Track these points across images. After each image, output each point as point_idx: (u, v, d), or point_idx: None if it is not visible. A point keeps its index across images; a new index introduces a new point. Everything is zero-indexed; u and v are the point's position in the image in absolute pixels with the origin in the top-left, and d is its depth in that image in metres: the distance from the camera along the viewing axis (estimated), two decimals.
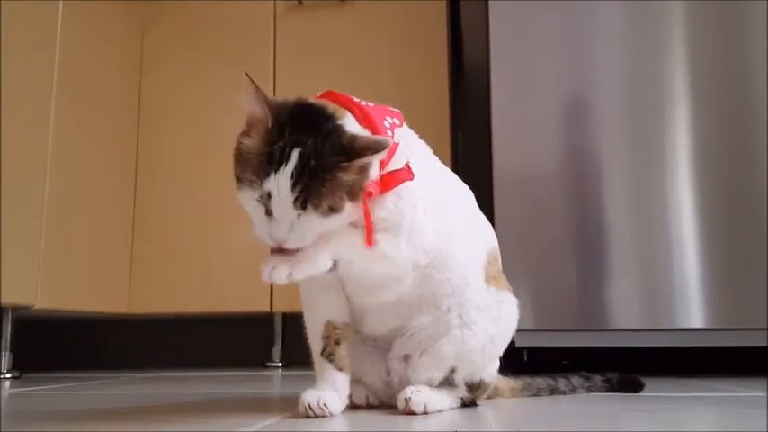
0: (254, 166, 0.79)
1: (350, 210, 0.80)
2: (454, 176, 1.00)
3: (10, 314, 1.76)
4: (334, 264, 0.83)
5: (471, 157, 2.34)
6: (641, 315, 1.53)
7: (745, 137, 1.55)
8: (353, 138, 0.79)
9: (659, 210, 1.56)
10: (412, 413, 0.86)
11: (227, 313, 2.13)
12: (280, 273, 0.80)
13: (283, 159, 0.77)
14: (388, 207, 0.84)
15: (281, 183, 0.77)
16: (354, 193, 0.80)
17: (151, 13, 2.30)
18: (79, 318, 2.28)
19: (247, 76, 0.81)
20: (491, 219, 1.05)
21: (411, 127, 0.94)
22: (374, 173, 0.82)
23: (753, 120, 1.55)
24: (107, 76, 2.10)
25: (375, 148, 0.78)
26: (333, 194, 0.78)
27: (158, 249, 2.15)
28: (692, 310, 1.51)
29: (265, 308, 2.06)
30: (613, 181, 1.59)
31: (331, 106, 0.84)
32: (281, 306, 2.06)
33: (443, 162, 0.99)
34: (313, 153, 0.77)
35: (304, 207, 0.77)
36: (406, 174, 0.84)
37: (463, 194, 0.99)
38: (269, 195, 0.78)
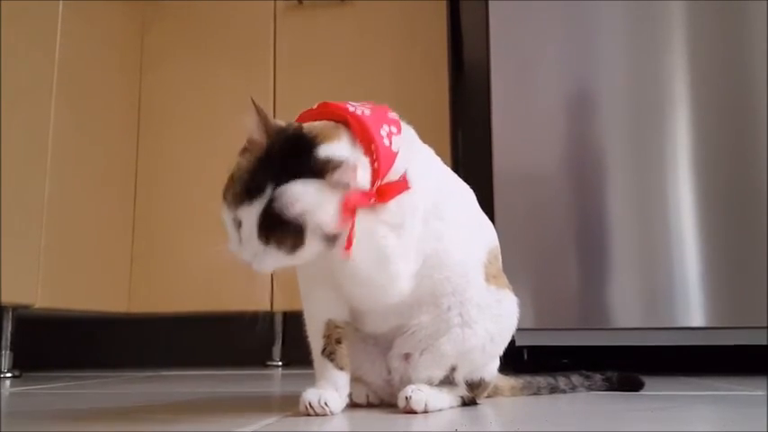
0: (235, 190, 0.80)
1: (314, 244, 0.79)
2: (455, 176, 1.00)
3: (10, 313, 1.76)
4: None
5: (471, 157, 2.34)
6: (641, 314, 1.53)
7: (746, 136, 1.55)
8: (320, 167, 0.78)
9: (659, 208, 1.56)
10: (412, 412, 0.86)
11: (226, 312, 2.13)
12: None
13: (258, 193, 0.77)
14: (390, 210, 0.84)
15: (251, 215, 0.78)
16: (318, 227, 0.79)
17: (151, 13, 2.30)
18: (79, 317, 2.28)
19: (253, 102, 0.81)
20: (491, 218, 1.05)
21: (411, 127, 0.94)
22: (359, 184, 0.80)
23: (754, 119, 1.55)
24: (107, 76, 2.10)
25: (338, 178, 0.77)
26: (297, 234, 0.77)
27: (158, 248, 2.15)
28: (692, 309, 1.51)
29: (266, 307, 2.06)
30: (614, 180, 1.59)
31: (322, 130, 0.83)
32: (281, 305, 2.06)
33: (444, 162, 0.99)
34: (275, 196, 0.77)
35: (267, 243, 0.78)
36: (402, 185, 0.83)
37: (464, 194, 0.99)
38: (239, 223, 0.80)
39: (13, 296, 1.65)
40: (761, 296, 1.48)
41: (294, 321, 2.16)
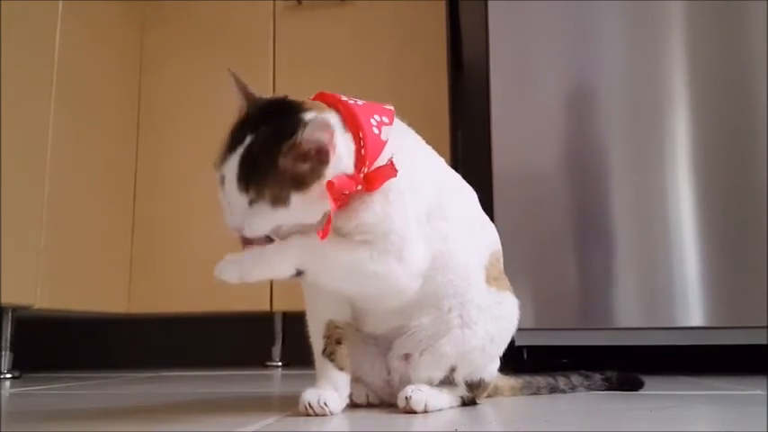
0: (220, 151, 0.82)
1: (301, 205, 0.78)
2: (457, 177, 1.00)
3: (10, 314, 1.76)
4: (299, 273, 0.82)
5: (471, 157, 2.35)
6: (641, 313, 1.53)
7: (746, 135, 1.55)
8: (297, 123, 0.78)
9: (659, 208, 1.56)
10: (412, 412, 0.86)
11: (226, 312, 2.13)
12: (229, 272, 0.81)
13: (237, 145, 0.79)
14: (375, 211, 0.83)
15: (231, 166, 0.79)
16: (302, 183, 0.78)
17: (151, 14, 2.30)
18: (79, 318, 2.28)
19: (230, 71, 0.85)
20: (491, 217, 1.05)
21: (410, 127, 0.94)
22: (343, 166, 0.80)
23: (753, 119, 1.55)
24: (107, 76, 2.10)
25: (311, 131, 0.76)
26: (275, 183, 0.78)
27: (158, 249, 2.15)
28: (691, 309, 1.51)
29: (265, 307, 2.06)
30: (613, 180, 1.59)
31: (308, 103, 0.85)
32: (281, 305, 2.06)
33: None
34: (260, 139, 0.79)
35: (247, 191, 0.78)
36: (389, 170, 0.82)
37: (466, 195, 0.99)
38: (223, 179, 0.81)
39: (12, 297, 1.65)
40: (760, 296, 1.48)
41: (294, 322, 2.17)
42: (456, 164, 2.15)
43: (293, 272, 0.82)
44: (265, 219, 0.79)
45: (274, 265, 0.82)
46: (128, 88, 2.21)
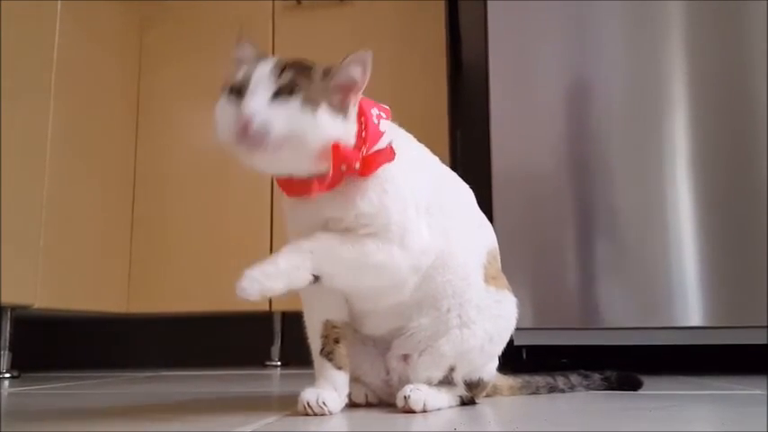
0: (238, 66, 0.85)
1: (326, 121, 0.79)
2: (454, 175, 1.00)
3: (9, 313, 1.76)
4: (316, 278, 0.82)
5: (470, 157, 2.34)
6: (640, 313, 1.53)
7: (746, 136, 1.55)
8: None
9: (658, 207, 1.56)
10: (411, 411, 0.86)
11: (225, 312, 2.13)
12: (251, 290, 0.79)
13: (267, 59, 0.83)
14: (370, 199, 0.83)
15: (263, 65, 0.82)
16: (332, 102, 0.81)
17: (149, 14, 2.30)
18: (78, 317, 2.28)
19: (239, 32, 0.88)
20: (490, 218, 1.05)
21: (410, 127, 0.95)
22: (353, 99, 0.83)
23: (753, 119, 1.55)
24: (105, 76, 2.10)
25: (351, 62, 0.82)
26: (310, 86, 0.80)
27: (157, 249, 2.15)
28: (690, 308, 1.51)
29: (264, 307, 2.06)
30: (612, 180, 1.59)
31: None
32: (279, 305, 2.06)
33: (443, 162, 0.99)
34: (292, 61, 0.83)
35: (280, 76, 0.79)
36: (388, 153, 0.84)
37: (463, 194, 0.99)
38: (249, 75, 0.80)
39: (12, 296, 1.65)
40: (760, 295, 1.48)
41: (293, 321, 2.17)
42: (455, 164, 2.15)
43: (311, 279, 0.82)
44: (286, 115, 0.78)
45: (292, 276, 0.81)
46: (127, 88, 2.21)
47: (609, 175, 1.59)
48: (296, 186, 0.84)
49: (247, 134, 0.77)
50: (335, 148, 0.79)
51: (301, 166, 0.81)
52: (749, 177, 1.53)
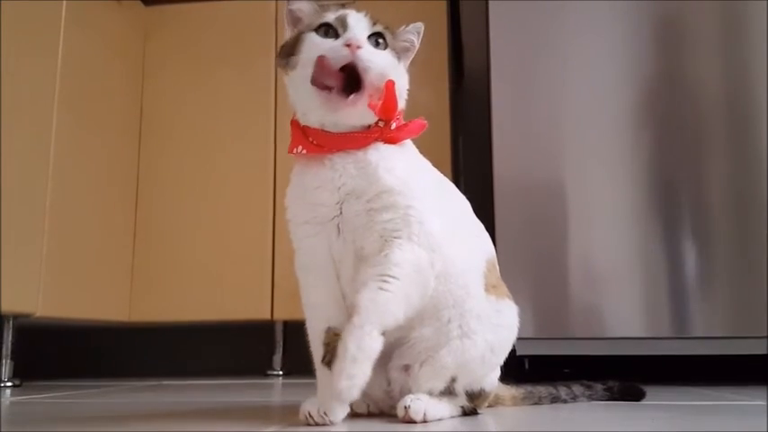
0: (320, 13, 0.91)
1: (401, 70, 0.92)
2: (453, 186, 1.01)
3: (11, 322, 1.76)
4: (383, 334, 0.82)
5: (472, 166, 2.35)
6: (642, 323, 1.53)
7: (748, 143, 1.55)
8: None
9: (659, 216, 1.55)
10: (411, 421, 0.85)
11: (227, 321, 2.13)
12: (336, 413, 0.82)
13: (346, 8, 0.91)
14: (395, 172, 0.86)
15: (352, 12, 0.90)
16: (398, 55, 0.92)
17: (153, 19, 2.31)
18: (80, 326, 2.28)
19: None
20: (491, 227, 1.06)
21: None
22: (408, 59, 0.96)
23: (754, 123, 1.55)
24: (109, 81, 2.10)
25: (413, 28, 0.96)
26: (392, 41, 0.92)
27: (159, 257, 2.15)
28: (692, 318, 1.51)
29: (266, 316, 2.06)
30: (613, 187, 1.59)
31: None
32: (281, 314, 2.06)
33: (444, 171, 1.00)
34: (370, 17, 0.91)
35: (374, 23, 0.89)
36: (419, 124, 0.91)
37: (461, 202, 0.99)
38: (344, 16, 0.88)
39: (13, 305, 1.65)
40: (760, 306, 1.48)
41: (295, 331, 2.17)
42: (457, 171, 2.16)
43: (382, 339, 0.81)
44: (382, 56, 0.87)
45: (365, 367, 0.79)
46: (130, 94, 2.22)
47: (610, 184, 1.59)
48: (337, 139, 0.88)
49: (352, 69, 0.84)
50: (390, 85, 0.86)
51: (367, 113, 0.87)
52: (752, 186, 1.53)
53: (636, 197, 1.57)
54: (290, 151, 0.90)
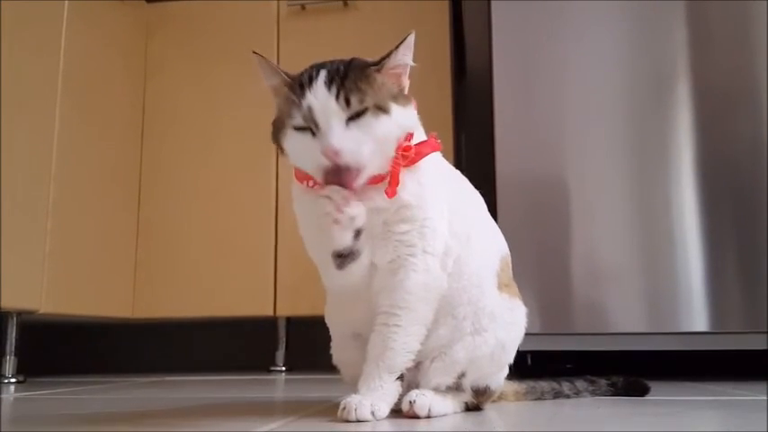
0: (289, 101, 0.81)
1: (399, 114, 0.82)
2: (468, 183, 1.00)
3: (14, 318, 1.76)
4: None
5: (474, 161, 2.34)
6: (645, 318, 1.53)
7: (750, 140, 1.55)
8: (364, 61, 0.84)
9: (663, 213, 1.55)
10: (416, 416, 0.86)
11: (230, 317, 2.14)
12: (363, 409, 0.81)
13: (312, 79, 0.80)
14: (409, 189, 0.84)
15: (318, 92, 0.79)
16: (393, 92, 0.83)
17: (155, 18, 2.31)
18: (83, 322, 2.29)
19: (256, 53, 0.88)
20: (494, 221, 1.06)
21: None
22: (406, 81, 0.86)
23: (757, 123, 1.55)
24: (111, 80, 2.11)
25: (404, 49, 0.84)
26: (374, 92, 0.81)
27: (162, 254, 2.15)
28: (695, 314, 1.51)
29: (269, 312, 2.06)
30: (616, 184, 1.59)
31: None
32: (284, 310, 2.06)
33: None
34: (339, 67, 0.82)
35: (348, 103, 0.78)
36: (433, 144, 0.88)
37: (476, 200, 0.99)
38: (310, 110, 0.79)
39: (17, 301, 1.66)
40: (762, 301, 1.48)
41: (297, 327, 2.17)
42: (460, 169, 2.14)
43: (398, 384, 0.85)
44: (367, 132, 0.79)
45: (392, 392, 0.85)
46: (132, 93, 2.22)
47: (613, 180, 1.59)
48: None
49: (341, 171, 0.78)
50: (406, 149, 0.83)
51: (384, 165, 0.82)
52: (754, 183, 1.53)
53: (639, 193, 1.57)
54: (300, 181, 0.87)
